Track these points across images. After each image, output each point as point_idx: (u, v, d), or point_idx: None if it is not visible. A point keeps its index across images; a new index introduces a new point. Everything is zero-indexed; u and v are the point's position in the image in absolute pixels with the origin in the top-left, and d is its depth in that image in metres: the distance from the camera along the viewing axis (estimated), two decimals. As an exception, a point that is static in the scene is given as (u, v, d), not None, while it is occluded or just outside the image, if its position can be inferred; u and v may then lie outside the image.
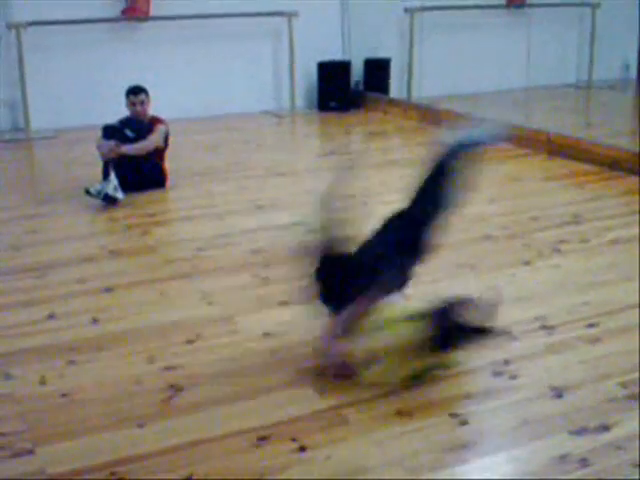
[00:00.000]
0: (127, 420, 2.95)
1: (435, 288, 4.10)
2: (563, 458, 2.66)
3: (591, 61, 11.14)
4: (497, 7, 10.85)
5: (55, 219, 5.59)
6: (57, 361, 3.42)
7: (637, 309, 3.82)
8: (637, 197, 5.75)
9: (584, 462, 2.63)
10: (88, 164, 6.50)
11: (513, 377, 3.21)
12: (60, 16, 8.37)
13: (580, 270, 4.41)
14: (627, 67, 11.89)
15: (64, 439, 2.84)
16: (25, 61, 8.31)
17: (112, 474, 2.62)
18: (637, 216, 5.28)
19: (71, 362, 3.41)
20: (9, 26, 8.23)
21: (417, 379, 3.16)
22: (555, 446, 2.73)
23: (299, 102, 9.91)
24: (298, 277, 3.39)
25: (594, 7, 10.90)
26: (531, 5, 10.91)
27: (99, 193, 5.69)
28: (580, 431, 2.81)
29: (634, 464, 2.62)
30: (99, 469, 2.65)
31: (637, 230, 4.99)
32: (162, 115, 6.39)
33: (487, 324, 3.16)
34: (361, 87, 10.15)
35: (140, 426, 2.90)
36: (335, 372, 3.21)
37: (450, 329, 3.14)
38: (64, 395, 3.13)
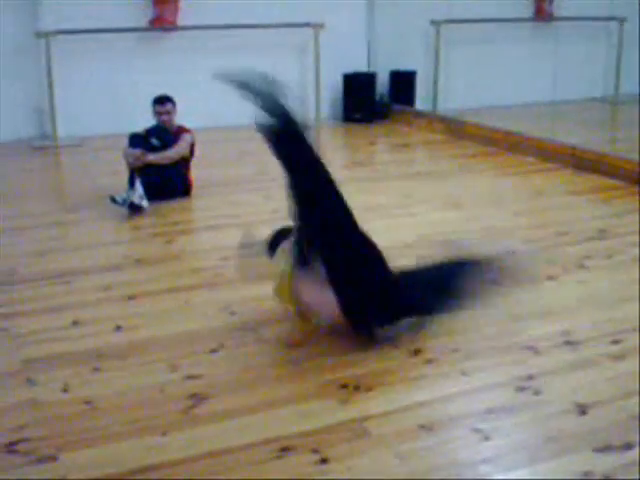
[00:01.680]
0: (150, 428, 2.96)
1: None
2: (586, 475, 2.64)
3: (617, 75, 11.08)
4: (524, 20, 10.83)
5: (81, 226, 5.64)
6: (81, 368, 3.43)
7: (663, 326, 3.79)
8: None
9: (608, 480, 2.61)
10: (114, 172, 6.54)
11: (537, 393, 3.19)
12: (88, 25, 8.45)
13: (605, 286, 4.37)
14: (654, 81, 11.83)
15: (87, 446, 2.85)
16: (53, 69, 8.39)
17: (134, 482, 2.64)
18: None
19: (95, 369, 3.42)
20: (38, 35, 8.31)
21: None
22: (578, 463, 2.71)
23: (324, 113, 9.93)
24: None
25: (621, 21, 10.86)
26: (558, 19, 10.89)
27: (124, 201, 5.72)
28: (604, 449, 2.78)
29: (658, 483, 2.60)
30: (122, 477, 2.66)
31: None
32: (188, 124, 6.43)
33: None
34: (386, 99, 10.16)
35: (163, 435, 2.91)
36: None
37: None
38: (87, 402, 3.15)
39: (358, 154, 8.56)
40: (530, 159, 7.61)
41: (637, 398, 3.12)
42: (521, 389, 3.21)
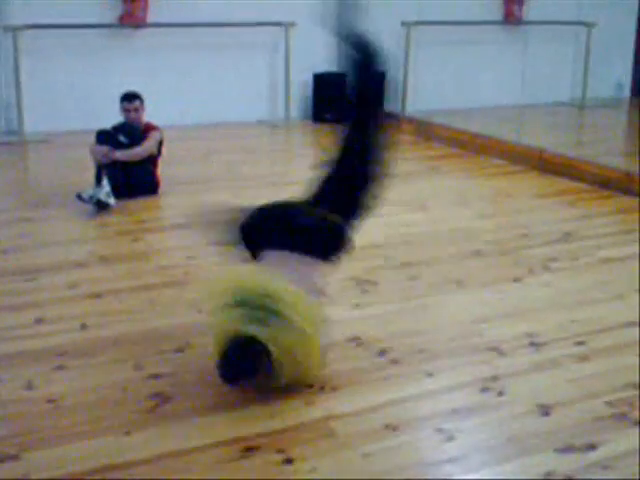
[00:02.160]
0: (113, 427, 2.93)
1: (422, 303, 4.12)
2: (549, 475, 2.66)
3: (585, 79, 11.19)
4: (494, 23, 10.90)
5: (46, 223, 5.58)
6: (44, 366, 3.40)
7: (625, 328, 3.83)
8: (627, 216, 5.79)
9: (569, 480, 2.64)
10: (81, 169, 6.49)
11: (500, 394, 3.21)
12: (57, 20, 8.38)
13: (569, 288, 4.42)
14: (620, 86, 11.96)
15: (49, 445, 2.82)
16: (21, 64, 8.30)
17: (97, 482, 2.62)
18: (627, 235, 5.31)
19: (58, 367, 3.39)
20: (6, 29, 8.22)
21: None
22: (541, 464, 2.73)
23: (294, 112, 9.92)
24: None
25: (589, 26, 10.96)
26: (527, 22, 10.97)
27: (91, 198, 5.68)
28: (566, 449, 2.81)
29: (619, 484, 2.62)
30: (84, 476, 2.64)
31: (627, 249, 5.02)
32: (156, 122, 6.39)
33: None
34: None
35: (126, 434, 2.89)
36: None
37: None
38: (50, 401, 3.12)
39: (327, 154, 8.54)
40: (498, 161, 7.66)
41: (599, 399, 3.16)
42: (485, 390, 3.23)
